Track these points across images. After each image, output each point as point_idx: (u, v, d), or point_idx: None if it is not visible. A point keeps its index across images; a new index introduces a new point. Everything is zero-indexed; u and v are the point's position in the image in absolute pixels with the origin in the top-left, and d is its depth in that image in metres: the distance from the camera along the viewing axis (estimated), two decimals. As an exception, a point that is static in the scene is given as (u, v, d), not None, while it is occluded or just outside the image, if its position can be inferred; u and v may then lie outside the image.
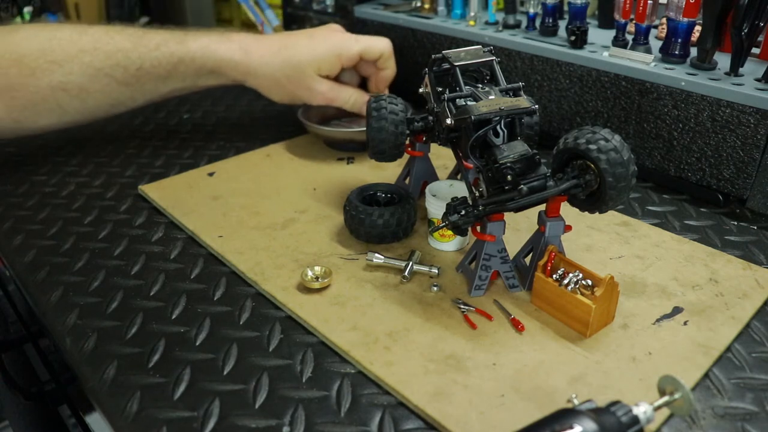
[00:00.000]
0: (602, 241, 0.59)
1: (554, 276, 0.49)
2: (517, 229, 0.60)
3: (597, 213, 0.49)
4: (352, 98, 0.76)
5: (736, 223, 0.63)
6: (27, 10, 1.25)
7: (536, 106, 0.48)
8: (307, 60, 0.73)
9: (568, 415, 0.34)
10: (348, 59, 0.74)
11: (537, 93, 0.76)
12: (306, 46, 0.73)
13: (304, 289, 0.52)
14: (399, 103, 0.59)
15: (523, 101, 0.48)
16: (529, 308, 0.50)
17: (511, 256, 0.53)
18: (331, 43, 0.73)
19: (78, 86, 0.70)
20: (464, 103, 0.52)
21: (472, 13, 0.83)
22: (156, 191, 0.69)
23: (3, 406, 0.78)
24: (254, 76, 0.75)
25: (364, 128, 0.73)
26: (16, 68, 0.67)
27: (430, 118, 0.59)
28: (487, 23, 0.83)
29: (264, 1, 1.01)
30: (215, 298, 0.53)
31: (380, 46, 0.75)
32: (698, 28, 0.67)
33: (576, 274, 0.48)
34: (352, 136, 0.76)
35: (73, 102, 0.71)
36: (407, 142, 0.62)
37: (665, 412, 0.40)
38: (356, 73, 0.80)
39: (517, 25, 0.80)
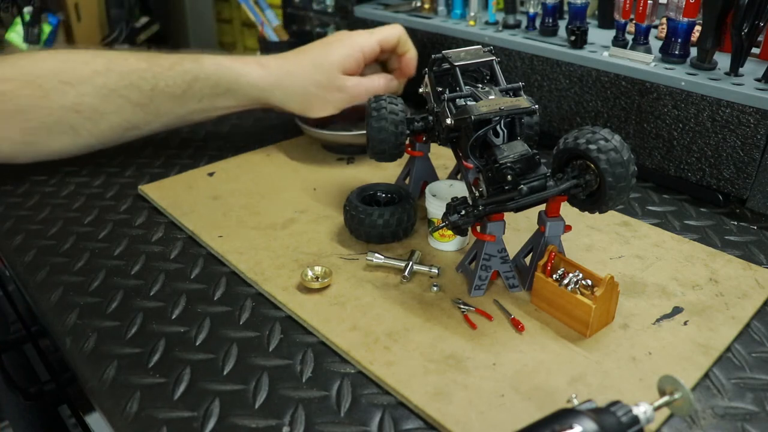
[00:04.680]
0: (602, 241, 0.59)
1: (554, 276, 0.49)
2: (517, 229, 0.60)
3: (597, 213, 0.49)
4: (381, 85, 0.75)
5: (736, 223, 0.63)
6: (27, 10, 1.25)
7: (536, 106, 0.48)
8: (330, 62, 0.71)
9: (568, 415, 0.34)
10: (370, 53, 0.73)
11: (537, 93, 0.76)
12: (327, 52, 0.72)
13: (304, 289, 0.52)
14: (399, 103, 0.59)
15: (523, 101, 0.48)
16: (529, 308, 0.50)
17: (511, 256, 0.53)
18: (349, 42, 0.72)
19: (91, 107, 0.69)
20: (464, 103, 0.52)
21: (472, 13, 0.83)
22: (156, 191, 0.69)
23: (3, 406, 0.78)
24: (280, 89, 0.73)
25: (363, 131, 0.73)
26: (30, 90, 0.66)
27: (430, 118, 0.59)
28: (487, 23, 0.83)
29: (264, 1, 1.01)
30: (215, 298, 0.53)
31: (395, 32, 0.75)
32: (698, 28, 0.67)
33: (576, 274, 0.48)
34: (350, 140, 0.75)
35: (86, 124, 0.70)
36: (407, 142, 0.62)
37: (665, 412, 0.40)
38: (377, 65, 0.79)
39: (517, 25, 0.80)
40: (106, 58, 0.70)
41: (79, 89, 0.68)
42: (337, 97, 0.73)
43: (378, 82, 0.75)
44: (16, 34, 1.28)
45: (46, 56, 0.69)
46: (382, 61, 0.80)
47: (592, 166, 0.46)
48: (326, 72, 0.71)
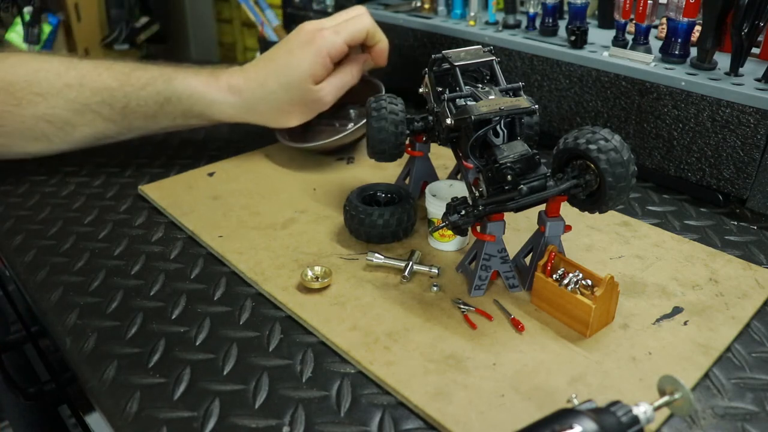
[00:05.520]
0: (602, 241, 0.59)
1: (554, 276, 0.49)
2: (517, 229, 0.60)
3: (597, 213, 0.49)
4: (354, 75, 0.72)
5: (736, 223, 0.63)
6: (27, 10, 1.25)
7: (536, 106, 0.48)
8: (300, 77, 0.68)
9: (568, 415, 0.34)
10: (338, 55, 0.70)
11: (537, 93, 0.76)
12: (292, 65, 0.69)
13: (304, 289, 0.52)
14: (399, 103, 0.59)
15: (523, 101, 0.48)
16: (529, 308, 0.50)
17: (511, 256, 0.53)
18: (315, 49, 0.68)
19: (62, 119, 0.69)
20: (464, 103, 0.52)
21: (472, 13, 0.83)
22: (156, 191, 0.69)
23: (3, 406, 0.78)
24: (253, 113, 0.72)
25: (347, 132, 0.72)
26: (3, 96, 0.67)
27: (430, 118, 0.59)
28: (487, 23, 0.83)
29: (264, 1, 1.01)
30: (215, 298, 0.53)
31: (362, 26, 0.70)
32: (698, 28, 0.67)
33: (576, 274, 0.48)
34: (339, 143, 0.73)
35: (58, 133, 0.70)
36: (407, 142, 0.62)
37: (665, 412, 0.40)
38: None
39: (517, 25, 0.80)
40: (79, 72, 0.69)
41: (50, 101, 0.68)
42: (312, 107, 0.72)
43: (351, 76, 0.72)
44: (16, 34, 1.28)
45: (19, 62, 0.69)
46: None
47: (592, 166, 0.46)
48: (298, 89, 0.69)
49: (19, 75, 0.68)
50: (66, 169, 0.77)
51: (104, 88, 0.69)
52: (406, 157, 0.63)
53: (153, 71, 0.71)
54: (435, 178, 0.66)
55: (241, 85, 0.71)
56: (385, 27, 0.90)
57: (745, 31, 0.60)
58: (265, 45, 1.01)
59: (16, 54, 0.71)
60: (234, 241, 0.59)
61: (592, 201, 0.48)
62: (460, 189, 0.60)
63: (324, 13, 1.01)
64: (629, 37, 0.71)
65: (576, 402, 0.37)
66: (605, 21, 0.80)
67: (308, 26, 0.70)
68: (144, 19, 1.50)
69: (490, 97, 0.50)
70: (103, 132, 0.72)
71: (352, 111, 0.81)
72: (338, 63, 0.72)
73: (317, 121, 0.75)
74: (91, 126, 0.71)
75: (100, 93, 0.69)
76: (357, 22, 0.70)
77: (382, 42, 0.73)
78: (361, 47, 0.75)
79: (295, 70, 0.69)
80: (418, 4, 0.91)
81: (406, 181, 0.66)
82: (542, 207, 0.51)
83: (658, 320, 0.49)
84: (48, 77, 0.68)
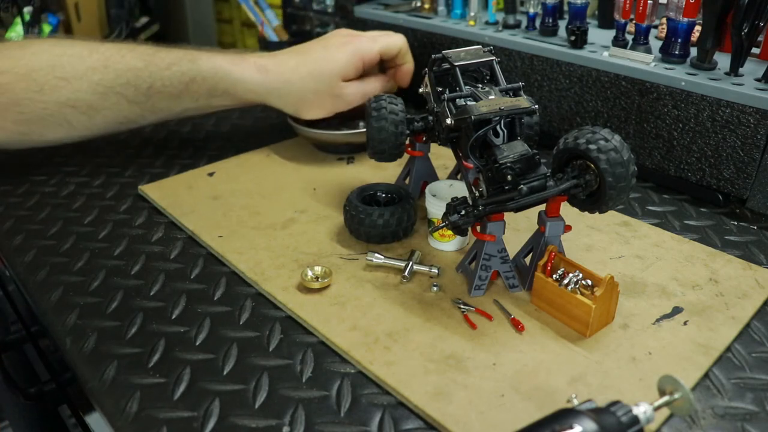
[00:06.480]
0: (602, 241, 0.59)
1: (554, 276, 0.49)
2: (517, 229, 0.60)
3: (597, 213, 0.49)
4: (376, 89, 0.74)
5: (736, 223, 0.63)
6: (27, 10, 1.25)
7: (536, 106, 0.48)
8: (331, 70, 0.70)
9: (568, 415, 0.34)
10: (370, 61, 0.72)
11: (537, 93, 0.76)
12: (326, 58, 0.71)
13: (304, 289, 0.52)
14: (399, 103, 0.59)
15: (523, 101, 0.48)
16: (529, 308, 0.50)
17: (511, 256, 0.53)
18: (350, 48, 0.71)
19: (86, 103, 0.69)
20: (464, 103, 0.52)
21: (472, 13, 0.83)
22: (156, 191, 0.69)
23: (3, 406, 0.78)
24: (277, 96, 0.73)
25: (355, 131, 0.72)
26: (25, 83, 0.66)
27: (430, 118, 0.59)
28: (487, 23, 0.83)
29: (264, 1, 1.01)
30: (215, 298, 0.53)
31: (397, 43, 0.74)
32: (698, 28, 0.67)
33: (576, 274, 0.48)
34: (343, 139, 0.74)
35: (81, 118, 0.70)
36: (407, 142, 0.62)
37: (665, 412, 0.40)
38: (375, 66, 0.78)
39: (517, 25, 0.80)
40: (102, 54, 0.69)
41: (74, 85, 0.67)
42: (333, 103, 0.73)
43: (375, 86, 0.74)
44: (16, 34, 1.28)
45: (41, 49, 0.68)
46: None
47: (592, 166, 0.46)
48: (326, 81, 0.71)
49: (42, 61, 0.67)
50: (66, 169, 0.77)
51: (129, 68, 0.69)
52: (406, 157, 0.63)
53: (177, 52, 0.71)
54: (435, 178, 0.66)
55: (270, 67, 0.72)
56: (385, 27, 0.90)
57: (745, 31, 0.60)
58: (265, 45, 1.01)
59: (38, 41, 0.71)
60: (234, 241, 0.59)
61: (592, 201, 0.48)
62: (460, 189, 0.60)
63: (324, 13, 1.01)
64: (629, 37, 0.71)
65: (576, 402, 0.37)
66: (605, 21, 0.80)
67: (345, 31, 0.74)
68: (144, 19, 1.50)
69: (490, 97, 0.50)
70: (125, 116, 0.71)
71: (361, 124, 0.81)
72: (362, 76, 0.74)
73: (326, 124, 0.76)
74: (114, 109, 0.70)
75: (124, 74, 0.69)
76: (393, 37, 0.74)
77: (409, 63, 0.77)
78: (380, 68, 0.77)
79: (329, 63, 0.71)
80: (418, 4, 0.91)
81: (406, 181, 0.66)
82: (542, 207, 0.51)
83: (658, 320, 0.49)
84: (71, 61, 0.68)
